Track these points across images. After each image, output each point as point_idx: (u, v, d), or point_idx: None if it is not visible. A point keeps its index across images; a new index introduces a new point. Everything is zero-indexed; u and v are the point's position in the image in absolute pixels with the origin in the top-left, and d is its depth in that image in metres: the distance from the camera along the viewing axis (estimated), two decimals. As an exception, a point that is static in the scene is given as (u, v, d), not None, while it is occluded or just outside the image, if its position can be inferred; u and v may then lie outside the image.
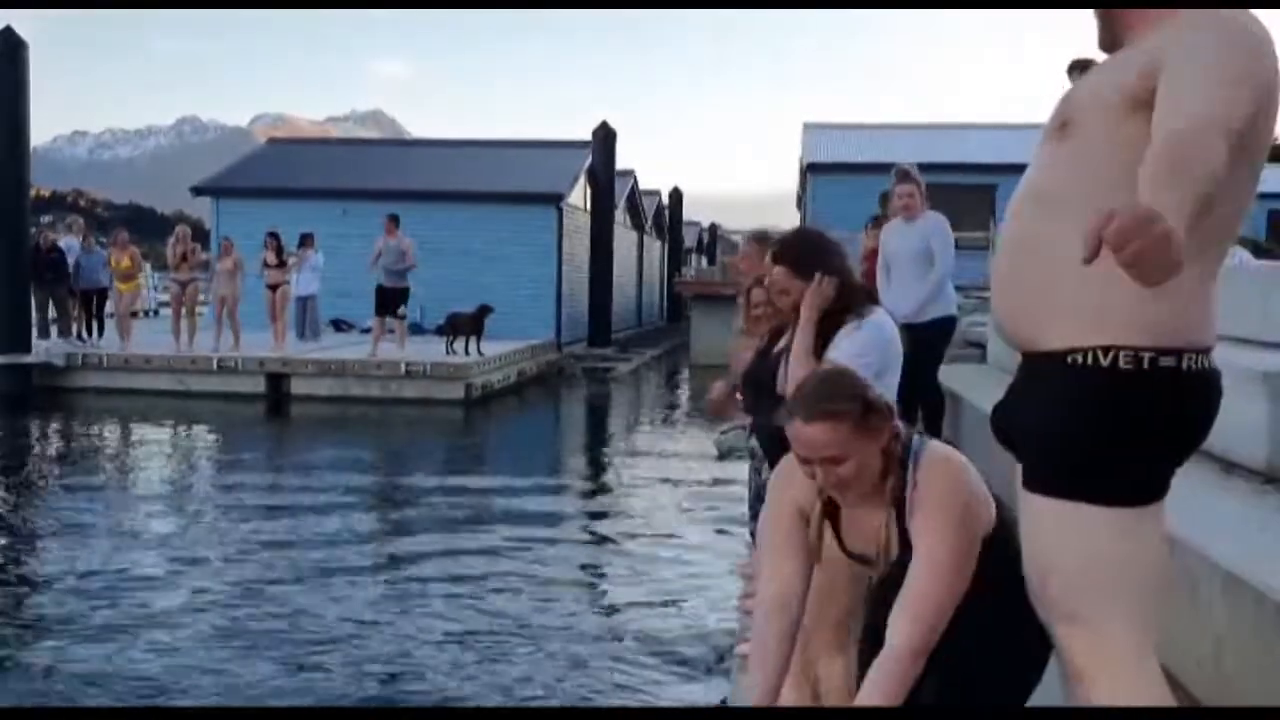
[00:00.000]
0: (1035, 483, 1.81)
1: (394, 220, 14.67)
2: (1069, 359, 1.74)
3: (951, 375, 6.74)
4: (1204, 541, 2.69)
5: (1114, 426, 1.71)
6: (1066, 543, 1.76)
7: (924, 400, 6.05)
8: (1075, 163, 1.79)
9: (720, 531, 7.96)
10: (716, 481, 9.72)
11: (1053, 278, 1.77)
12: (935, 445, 2.18)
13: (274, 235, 15.67)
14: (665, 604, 6.16)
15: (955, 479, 2.10)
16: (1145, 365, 1.70)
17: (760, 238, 4.46)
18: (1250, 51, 1.64)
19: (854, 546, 2.24)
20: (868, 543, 2.19)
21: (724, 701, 4.43)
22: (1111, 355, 1.70)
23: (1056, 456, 1.77)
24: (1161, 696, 1.76)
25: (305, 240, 17.19)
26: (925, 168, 6.76)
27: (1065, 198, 1.78)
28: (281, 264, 15.56)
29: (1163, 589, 1.84)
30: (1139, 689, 1.74)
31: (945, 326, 6.31)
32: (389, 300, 14.57)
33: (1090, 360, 1.72)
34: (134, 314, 17.82)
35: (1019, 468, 1.87)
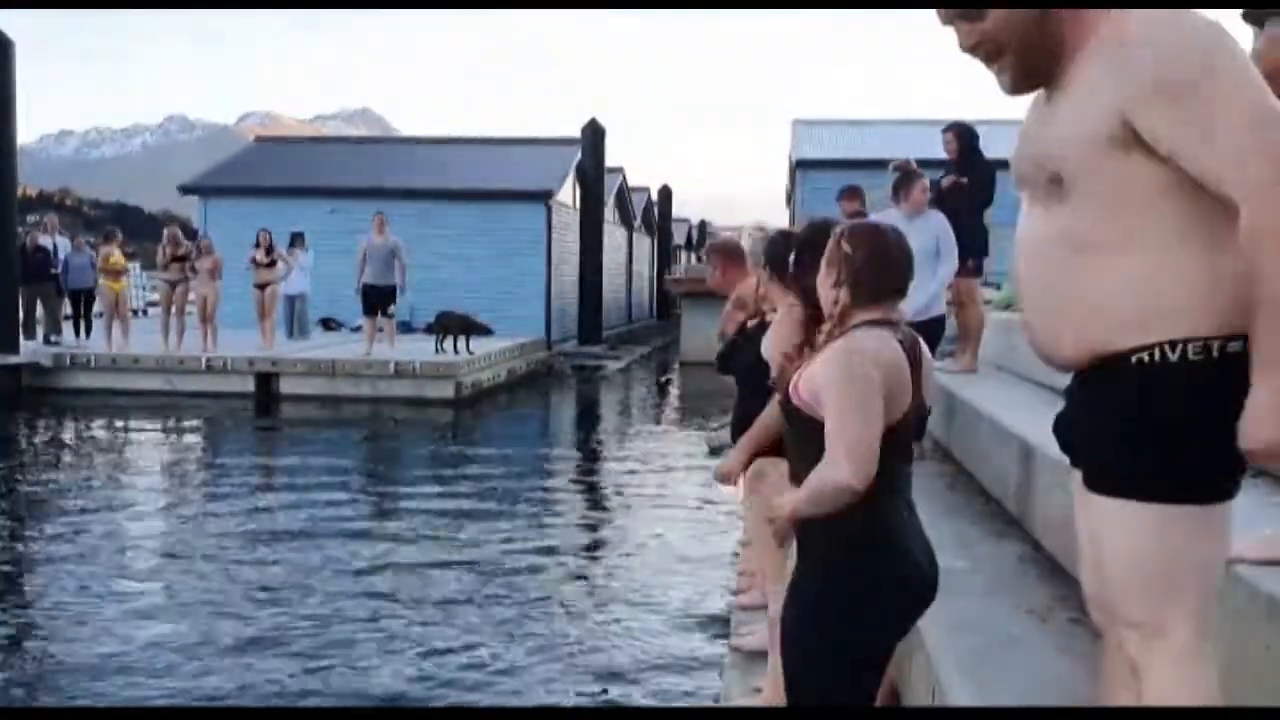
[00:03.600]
0: (1105, 484, 1.75)
1: (382, 219, 14.67)
2: (1134, 359, 1.68)
3: (942, 373, 6.74)
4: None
5: (1191, 420, 1.66)
6: (1141, 544, 1.71)
7: None
8: (1096, 210, 1.71)
9: (707, 519, 8.07)
10: (707, 476, 9.74)
11: (1092, 290, 1.72)
12: (867, 330, 2.27)
13: (265, 233, 15.61)
14: (660, 585, 6.19)
15: (850, 347, 2.23)
16: (1215, 353, 1.64)
17: (725, 246, 4.51)
18: (1231, 52, 1.59)
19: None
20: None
21: (716, 700, 4.44)
22: (1180, 349, 1.65)
23: (1132, 457, 1.70)
24: (1213, 700, 1.74)
25: (295, 239, 17.16)
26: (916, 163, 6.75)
27: (1101, 235, 1.71)
28: (272, 263, 15.51)
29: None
30: (1193, 691, 1.72)
31: (937, 325, 6.34)
32: (377, 299, 14.56)
33: (1158, 357, 1.66)
34: (134, 312, 17.82)
35: (1076, 473, 1.83)
